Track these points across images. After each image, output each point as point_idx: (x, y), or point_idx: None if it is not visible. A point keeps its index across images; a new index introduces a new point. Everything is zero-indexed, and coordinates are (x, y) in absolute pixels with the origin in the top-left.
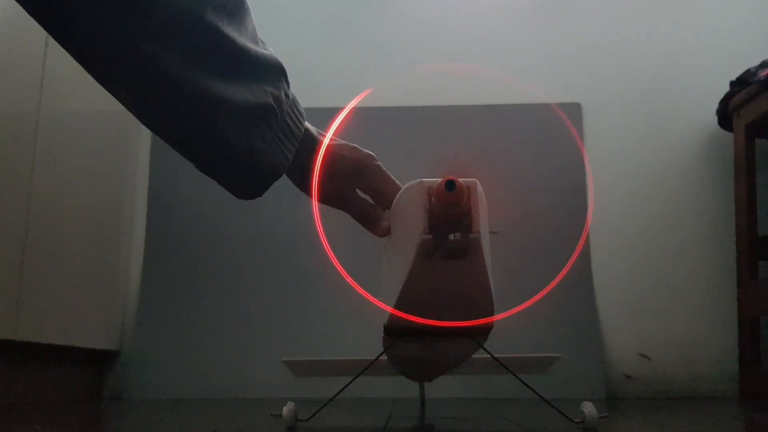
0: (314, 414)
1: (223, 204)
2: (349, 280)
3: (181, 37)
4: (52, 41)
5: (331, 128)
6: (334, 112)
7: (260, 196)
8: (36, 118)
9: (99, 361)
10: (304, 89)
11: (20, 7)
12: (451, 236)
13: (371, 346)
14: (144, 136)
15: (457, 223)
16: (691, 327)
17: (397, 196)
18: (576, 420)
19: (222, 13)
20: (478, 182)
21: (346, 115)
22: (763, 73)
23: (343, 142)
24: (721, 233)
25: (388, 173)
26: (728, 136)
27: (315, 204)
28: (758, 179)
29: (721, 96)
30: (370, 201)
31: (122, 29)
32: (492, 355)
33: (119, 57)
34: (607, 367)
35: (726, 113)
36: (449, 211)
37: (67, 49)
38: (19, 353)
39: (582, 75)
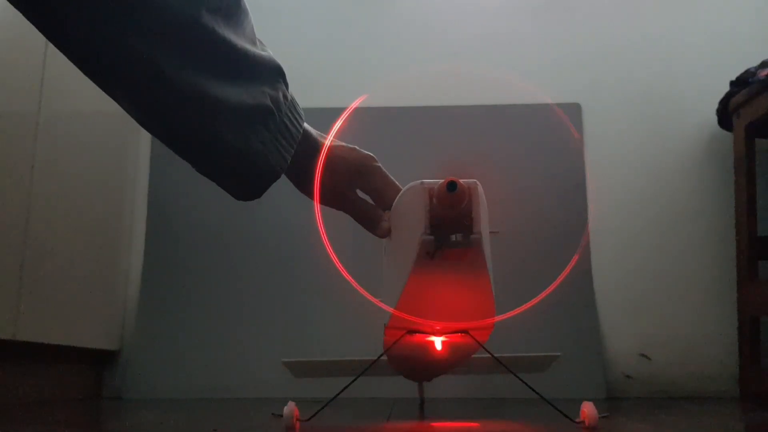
0: (315, 414)
1: (223, 205)
2: (352, 281)
3: (176, 40)
4: None
5: (332, 130)
6: (334, 112)
7: (259, 197)
8: (36, 119)
9: (99, 361)
10: (304, 89)
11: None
12: (452, 237)
13: (372, 346)
14: (144, 136)
15: (458, 224)
16: (691, 327)
17: (398, 197)
18: (576, 420)
19: (218, 14)
20: (478, 183)
21: (347, 115)
22: (762, 73)
23: (343, 143)
24: (721, 233)
25: (388, 174)
26: (728, 136)
27: (317, 206)
28: (758, 179)
29: (720, 96)
30: (370, 202)
31: (117, 32)
32: (492, 355)
33: (115, 60)
34: (607, 367)
35: (726, 113)
36: (450, 212)
37: (63, 52)
38: (19, 353)
39: (582, 75)
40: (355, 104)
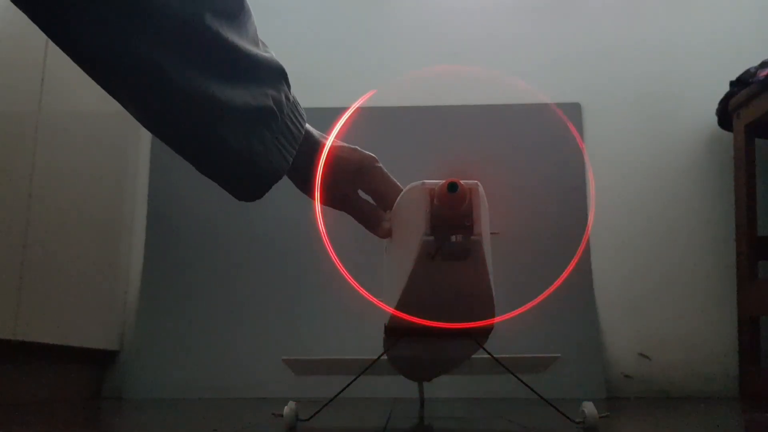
0: (315, 414)
1: (223, 204)
2: (351, 281)
3: (180, 42)
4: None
5: (334, 129)
6: (335, 112)
7: (261, 198)
8: (36, 118)
9: (99, 361)
10: (305, 89)
11: (20, 10)
12: (453, 238)
13: (371, 346)
14: (144, 136)
15: (459, 225)
16: (691, 327)
17: (399, 197)
18: (576, 420)
19: (221, 16)
20: (479, 184)
21: (348, 116)
22: (762, 73)
23: (344, 143)
24: (721, 233)
25: (389, 175)
26: (728, 136)
27: (317, 206)
28: (758, 179)
29: (721, 96)
30: (372, 202)
31: (120, 33)
32: (492, 356)
33: (119, 62)
34: (606, 367)
35: (726, 113)
36: (451, 213)
37: (66, 53)
38: (19, 353)
39: (582, 75)
40: (361, 100)
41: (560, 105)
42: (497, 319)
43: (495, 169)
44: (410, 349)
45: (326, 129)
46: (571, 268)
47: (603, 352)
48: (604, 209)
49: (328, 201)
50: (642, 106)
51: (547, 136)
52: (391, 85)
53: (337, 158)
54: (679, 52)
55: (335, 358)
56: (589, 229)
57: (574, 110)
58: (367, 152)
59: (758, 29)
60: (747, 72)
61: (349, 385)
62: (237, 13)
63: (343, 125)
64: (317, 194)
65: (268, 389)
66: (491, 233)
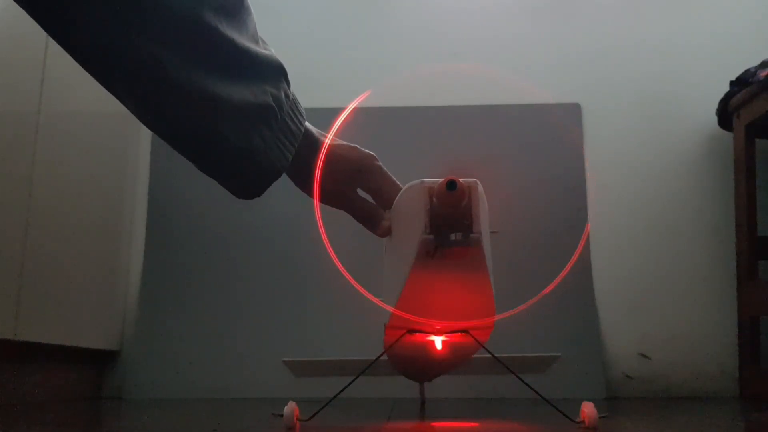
0: (315, 414)
1: (223, 204)
2: (351, 279)
3: (179, 38)
4: (52, 41)
5: (333, 128)
6: (335, 112)
7: (260, 196)
8: (36, 118)
9: (99, 361)
10: (305, 89)
11: (20, 7)
12: (452, 236)
13: (372, 346)
14: (144, 136)
15: (458, 223)
16: (691, 327)
17: (398, 196)
18: (576, 420)
19: (221, 13)
20: (478, 182)
21: (347, 115)
22: (762, 73)
23: (344, 142)
24: (721, 233)
25: (389, 173)
26: (728, 136)
27: (317, 204)
28: (758, 179)
29: (721, 96)
30: (371, 201)
31: (120, 30)
32: (493, 355)
33: (118, 58)
34: (607, 367)
35: (726, 113)
36: (450, 211)
37: (66, 50)
38: (19, 353)
39: (582, 75)
40: (357, 101)
41: (560, 105)
42: (497, 317)
43: (495, 169)
44: (410, 349)
45: (326, 129)
46: (570, 266)
47: (603, 352)
48: (604, 209)
49: (327, 199)
50: (642, 106)
51: (547, 136)
52: (390, 85)
53: (337, 156)
54: (679, 52)
55: (335, 359)
56: (589, 228)
57: (574, 110)
58: (366, 150)
59: (758, 29)
60: (747, 72)
61: (348, 385)
62: (237, 10)
63: (342, 125)
64: (316, 192)
65: (268, 389)
66: (491, 232)
